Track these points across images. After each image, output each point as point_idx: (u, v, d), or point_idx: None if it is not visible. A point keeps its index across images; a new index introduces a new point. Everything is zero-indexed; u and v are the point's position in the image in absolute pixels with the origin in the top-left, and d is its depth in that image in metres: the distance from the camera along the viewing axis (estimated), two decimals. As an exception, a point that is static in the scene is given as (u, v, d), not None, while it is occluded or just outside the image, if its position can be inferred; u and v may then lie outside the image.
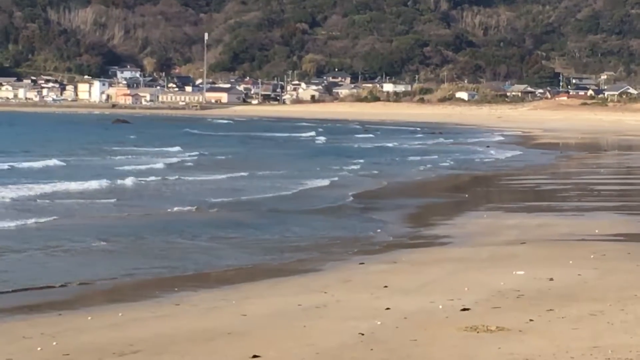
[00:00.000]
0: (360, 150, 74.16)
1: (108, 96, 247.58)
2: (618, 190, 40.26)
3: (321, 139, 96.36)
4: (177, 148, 71.19)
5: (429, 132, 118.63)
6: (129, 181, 41.48)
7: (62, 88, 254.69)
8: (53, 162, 53.00)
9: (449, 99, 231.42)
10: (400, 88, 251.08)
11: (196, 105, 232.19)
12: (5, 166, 49.14)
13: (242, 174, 47.25)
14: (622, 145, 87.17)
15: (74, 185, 38.76)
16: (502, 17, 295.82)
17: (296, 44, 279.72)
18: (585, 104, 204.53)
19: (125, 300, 17.40)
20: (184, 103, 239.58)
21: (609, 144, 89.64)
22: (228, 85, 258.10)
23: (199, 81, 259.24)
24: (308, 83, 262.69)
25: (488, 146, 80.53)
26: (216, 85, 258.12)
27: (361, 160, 59.39)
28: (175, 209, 31.76)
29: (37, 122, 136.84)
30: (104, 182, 40.11)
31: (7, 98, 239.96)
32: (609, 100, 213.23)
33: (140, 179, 42.52)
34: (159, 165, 52.91)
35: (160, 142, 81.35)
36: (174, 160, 58.73)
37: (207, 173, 47.70)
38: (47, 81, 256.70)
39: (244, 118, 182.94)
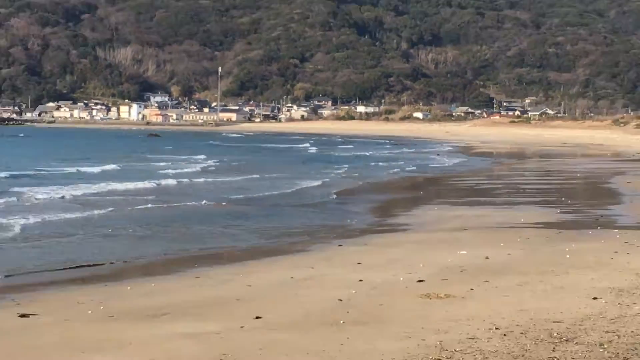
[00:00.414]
0: (344, 158, 73.82)
1: (143, 116, 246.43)
2: (539, 189, 40.30)
3: (313, 149, 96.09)
4: (202, 156, 70.78)
5: (394, 143, 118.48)
6: (167, 182, 41.57)
7: (108, 109, 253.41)
8: (110, 166, 52.94)
9: (408, 118, 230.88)
10: (370, 109, 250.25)
11: (212, 123, 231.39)
12: (73, 170, 49.39)
13: (253, 176, 47.16)
14: (542, 154, 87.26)
15: (126, 185, 38.78)
16: (449, 54, 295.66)
17: (289, 75, 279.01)
18: (513, 121, 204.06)
19: (157, 274, 17.37)
20: (202, 121, 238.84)
21: (531, 153, 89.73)
22: (237, 107, 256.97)
23: (214, 104, 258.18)
24: (299, 105, 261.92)
25: (439, 154, 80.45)
26: (227, 107, 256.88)
27: (345, 166, 59.10)
28: (200, 203, 31.73)
29: (89, 135, 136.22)
30: (148, 183, 40.19)
31: (65, 117, 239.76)
32: (531, 119, 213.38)
33: (175, 180, 42.64)
34: (189, 170, 52.80)
35: (188, 151, 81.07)
36: (201, 165, 58.48)
37: (226, 176, 47.54)
38: (96, 104, 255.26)
39: (251, 133, 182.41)
